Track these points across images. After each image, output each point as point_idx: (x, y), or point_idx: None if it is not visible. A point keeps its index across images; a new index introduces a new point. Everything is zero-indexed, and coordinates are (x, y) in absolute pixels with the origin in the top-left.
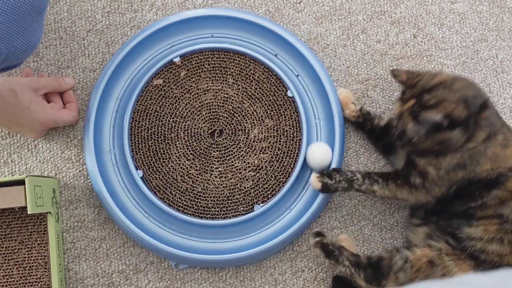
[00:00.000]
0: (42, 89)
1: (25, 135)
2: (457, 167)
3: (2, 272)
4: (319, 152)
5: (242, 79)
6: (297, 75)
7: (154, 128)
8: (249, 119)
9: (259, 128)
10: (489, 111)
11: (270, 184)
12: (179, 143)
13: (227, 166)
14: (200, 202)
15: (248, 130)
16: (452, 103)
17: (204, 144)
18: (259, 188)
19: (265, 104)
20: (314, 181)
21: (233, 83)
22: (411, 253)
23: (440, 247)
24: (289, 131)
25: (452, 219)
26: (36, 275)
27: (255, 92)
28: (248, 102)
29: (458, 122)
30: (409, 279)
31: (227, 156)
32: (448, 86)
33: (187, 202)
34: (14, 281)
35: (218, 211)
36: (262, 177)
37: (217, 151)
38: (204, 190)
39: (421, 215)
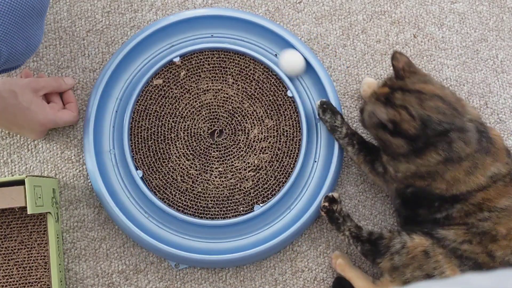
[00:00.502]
0: (42, 90)
1: (25, 136)
2: (415, 176)
3: (2, 272)
4: (292, 59)
5: (242, 79)
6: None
7: (154, 128)
8: (249, 119)
9: (259, 128)
10: (456, 137)
11: (270, 184)
12: (179, 143)
13: (227, 166)
14: (200, 202)
15: (248, 130)
16: (410, 115)
17: (204, 144)
18: (259, 188)
19: (265, 104)
20: (317, 105)
21: (233, 83)
22: (410, 239)
23: (431, 241)
24: (289, 131)
25: (427, 224)
26: (36, 275)
27: (255, 92)
28: (248, 102)
29: (403, 134)
30: (403, 264)
31: (227, 156)
32: (422, 99)
33: (187, 202)
34: (14, 281)
35: (218, 211)
36: (262, 177)
37: (217, 151)
38: (204, 190)
39: (401, 222)
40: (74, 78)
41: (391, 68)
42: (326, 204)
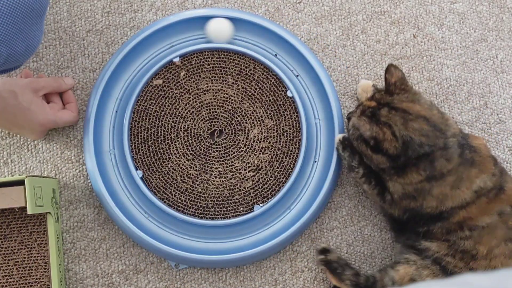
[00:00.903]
0: (41, 90)
1: (25, 136)
2: (407, 197)
3: (2, 273)
4: (220, 25)
5: (242, 79)
6: (297, 75)
7: (154, 128)
8: (248, 119)
9: (259, 128)
10: (438, 155)
11: (270, 184)
12: (179, 143)
13: (227, 166)
14: (200, 202)
15: (248, 130)
16: (392, 135)
17: (204, 144)
18: (259, 188)
19: (265, 104)
20: (337, 140)
21: (233, 83)
22: (395, 273)
23: (414, 259)
24: (289, 131)
25: (411, 234)
26: (36, 275)
27: (254, 92)
28: (247, 102)
29: (383, 152)
30: None
31: (227, 156)
32: (408, 119)
33: (187, 202)
34: (14, 281)
35: (218, 211)
36: (262, 177)
37: (217, 151)
38: (204, 190)
39: (393, 236)
40: (74, 78)
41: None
42: (323, 256)
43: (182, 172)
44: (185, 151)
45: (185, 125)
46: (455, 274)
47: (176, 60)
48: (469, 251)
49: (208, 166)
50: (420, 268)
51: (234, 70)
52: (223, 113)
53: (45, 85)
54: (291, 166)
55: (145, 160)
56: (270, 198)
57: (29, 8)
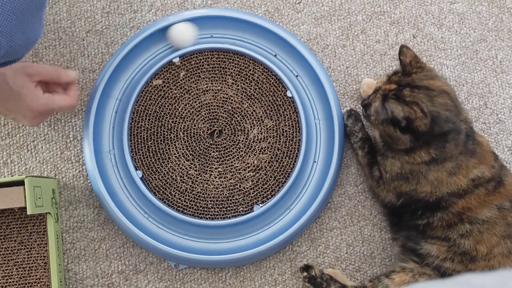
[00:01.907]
0: (36, 75)
1: (20, 123)
2: (400, 178)
3: (2, 273)
4: (181, 29)
5: (242, 80)
6: (297, 76)
7: (154, 129)
8: (248, 119)
9: (258, 128)
10: (452, 138)
11: (269, 184)
12: (178, 144)
13: (226, 167)
14: (199, 203)
15: (248, 130)
16: (422, 112)
17: (204, 144)
18: (259, 188)
19: (265, 104)
20: (344, 110)
21: (233, 83)
22: (391, 282)
23: (411, 267)
24: (289, 131)
25: (410, 231)
26: (36, 275)
27: (254, 92)
28: (247, 102)
29: (413, 131)
30: None
31: (226, 157)
32: (432, 95)
33: (187, 203)
34: (13, 281)
35: (217, 212)
36: (261, 178)
37: (216, 151)
38: (204, 190)
39: (391, 233)
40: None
41: (391, 67)
42: (306, 274)
43: (181, 172)
44: (185, 151)
45: (184, 125)
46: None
47: (176, 60)
48: (469, 253)
49: (207, 166)
50: (417, 275)
51: (234, 70)
52: (223, 113)
53: (41, 71)
54: (291, 166)
55: (144, 161)
56: (270, 198)
57: (29, 0)
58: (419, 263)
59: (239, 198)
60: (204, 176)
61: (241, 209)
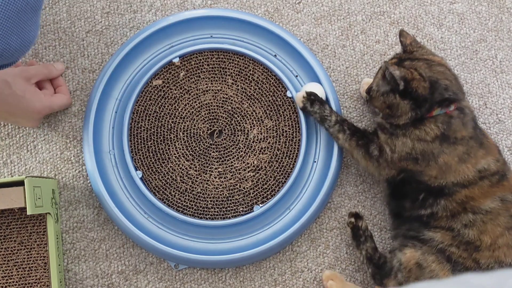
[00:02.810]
0: (33, 78)
1: (22, 125)
2: (409, 158)
3: (2, 273)
4: None
5: (242, 80)
6: (296, 76)
7: (154, 129)
8: (248, 119)
9: (258, 128)
10: (457, 114)
11: (269, 184)
12: (178, 144)
13: (226, 167)
14: (199, 203)
15: (248, 130)
16: (420, 75)
17: (204, 144)
18: (259, 188)
19: (264, 104)
20: (299, 98)
21: (233, 83)
22: (403, 255)
23: (420, 245)
24: (288, 131)
25: (412, 222)
26: (36, 276)
27: (254, 92)
28: (247, 102)
29: (412, 94)
30: (405, 279)
31: (226, 157)
32: (431, 64)
33: (187, 203)
34: (13, 282)
35: (217, 212)
36: (261, 178)
37: (216, 151)
38: (204, 190)
39: (392, 225)
40: (74, 79)
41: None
42: (352, 219)
43: (181, 172)
44: (185, 152)
45: (184, 126)
46: (459, 263)
47: (176, 60)
48: (473, 242)
49: (207, 167)
50: (426, 253)
51: (234, 70)
52: (223, 113)
53: (36, 72)
54: (291, 166)
55: (144, 161)
56: (270, 198)
57: (25, 3)
58: (424, 244)
59: (239, 198)
60: (204, 176)
61: (241, 209)
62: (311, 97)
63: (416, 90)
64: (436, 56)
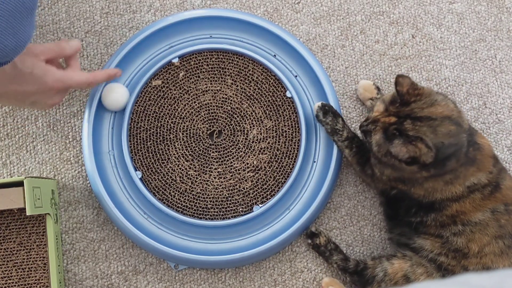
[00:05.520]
0: (41, 55)
1: (41, 108)
2: (398, 180)
3: (1, 274)
4: (114, 94)
5: (241, 80)
6: (296, 76)
7: (153, 129)
8: (248, 119)
9: (258, 128)
10: (453, 155)
11: (269, 184)
12: (178, 144)
13: (226, 167)
14: (199, 203)
15: (247, 130)
16: (426, 147)
17: (203, 145)
18: (258, 188)
19: (264, 104)
20: (315, 106)
21: (232, 83)
22: (390, 266)
23: (410, 255)
24: (288, 131)
25: (403, 227)
26: (35, 276)
27: (254, 92)
28: (247, 102)
29: (419, 163)
30: None
31: (226, 157)
32: (434, 126)
33: (186, 203)
34: (13, 282)
35: (217, 212)
36: (261, 178)
37: (216, 152)
38: (203, 191)
39: (387, 227)
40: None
41: (390, 67)
42: (309, 241)
43: (181, 172)
44: (184, 152)
45: (184, 126)
46: (449, 270)
47: (175, 60)
48: (461, 250)
49: (207, 167)
50: (415, 265)
51: (233, 70)
52: (222, 113)
53: (44, 49)
54: (290, 166)
55: (144, 161)
56: (270, 198)
57: (19, 3)
58: (415, 253)
59: (239, 199)
60: (204, 177)
61: (240, 209)
62: (325, 108)
63: (423, 162)
64: (436, 104)
